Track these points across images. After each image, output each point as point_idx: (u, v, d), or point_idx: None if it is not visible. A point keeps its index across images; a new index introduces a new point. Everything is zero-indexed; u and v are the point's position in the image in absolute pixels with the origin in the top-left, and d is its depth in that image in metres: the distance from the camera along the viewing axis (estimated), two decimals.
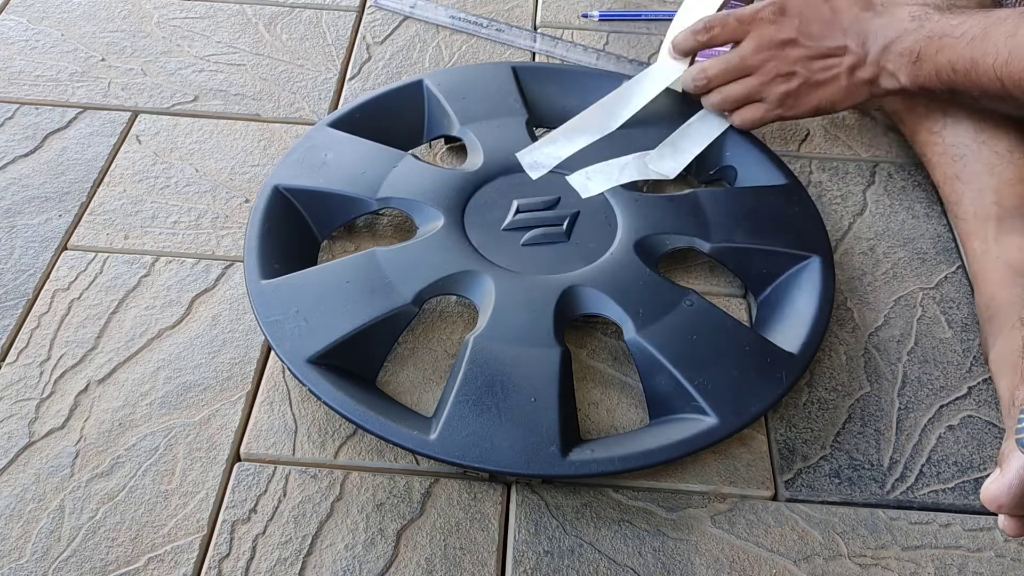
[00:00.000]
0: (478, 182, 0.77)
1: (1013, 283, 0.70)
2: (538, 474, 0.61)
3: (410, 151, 0.79)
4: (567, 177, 0.77)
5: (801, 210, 0.77)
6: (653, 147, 0.80)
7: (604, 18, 1.02)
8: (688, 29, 0.80)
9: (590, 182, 0.77)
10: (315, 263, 0.74)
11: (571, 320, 0.69)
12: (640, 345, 0.66)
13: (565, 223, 0.74)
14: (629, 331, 0.66)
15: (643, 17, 1.03)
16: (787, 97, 0.77)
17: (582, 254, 0.72)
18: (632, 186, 0.77)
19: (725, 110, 0.80)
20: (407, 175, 0.76)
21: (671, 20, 1.03)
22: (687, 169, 0.81)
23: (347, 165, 0.77)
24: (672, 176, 0.79)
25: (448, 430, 0.61)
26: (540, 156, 0.79)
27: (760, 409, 0.64)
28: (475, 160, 0.79)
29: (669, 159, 0.79)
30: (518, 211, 0.75)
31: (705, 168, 0.83)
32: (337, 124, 0.81)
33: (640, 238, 0.72)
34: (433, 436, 0.61)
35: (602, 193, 0.76)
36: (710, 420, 0.63)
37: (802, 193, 0.78)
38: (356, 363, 0.67)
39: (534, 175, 0.78)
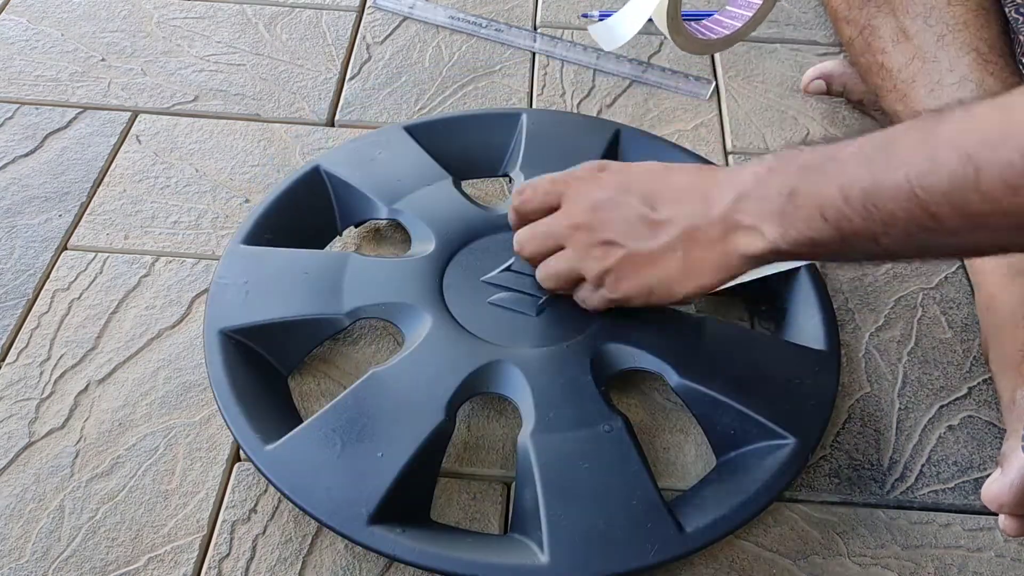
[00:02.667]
0: (487, 224, 0.73)
1: (1013, 283, 0.70)
2: (336, 530, 0.56)
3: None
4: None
5: (814, 385, 0.66)
6: None
7: (604, 18, 1.02)
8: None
9: (618, 28, 0.64)
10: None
11: (471, 394, 0.64)
12: (524, 448, 0.60)
13: (544, 299, 0.68)
14: (527, 430, 0.61)
15: None
16: (605, 276, 0.62)
17: (536, 334, 0.66)
18: None
19: (560, 289, 0.66)
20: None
21: None
22: (740, 294, 0.72)
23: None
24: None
25: (286, 448, 0.59)
26: (616, 24, 0.68)
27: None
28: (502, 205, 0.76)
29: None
30: (508, 268, 0.70)
31: (757, 301, 0.75)
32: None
33: (605, 344, 0.65)
34: (270, 447, 0.59)
35: None
36: (542, 560, 0.56)
37: (832, 368, 0.67)
38: (274, 352, 0.67)
39: (608, 47, 0.68)
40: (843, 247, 0.53)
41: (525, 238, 0.66)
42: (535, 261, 0.66)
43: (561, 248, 0.64)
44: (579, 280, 0.64)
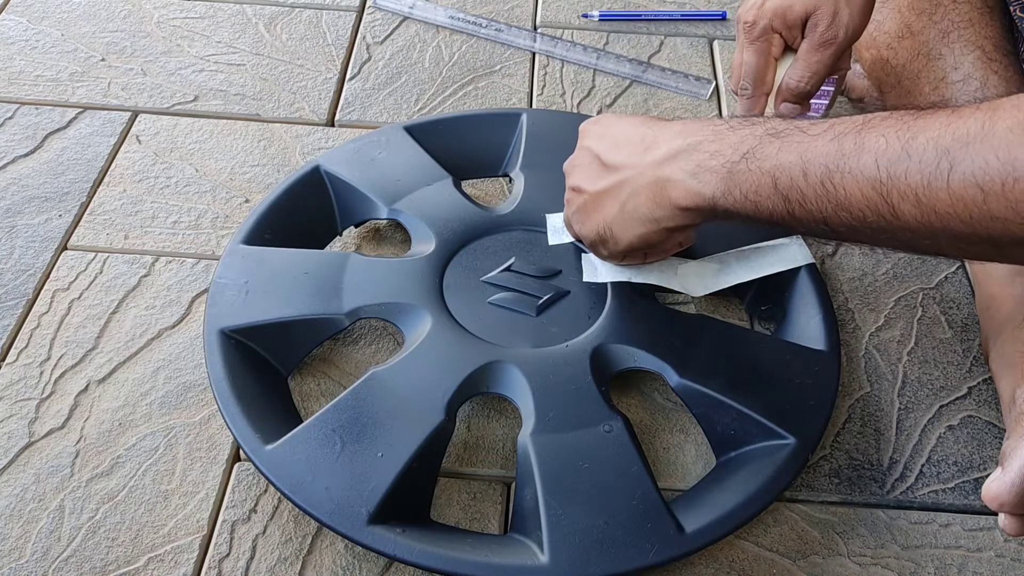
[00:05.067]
0: (487, 224, 0.74)
1: (1013, 282, 0.70)
2: (336, 530, 0.56)
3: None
4: (583, 254, 0.71)
5: (814, 385, 0.65)
6: (698, 255, 0.71)
7: (604, 18, 1.02)
8: None
9: (601, 268, 0.68)
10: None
11: (471, 394, 0.64)
12: (524, 448, 0.60)
13: (544, 299, 0.69)
14: (527, 430, 0.61)
15: (643, 17, 1.03)
16: (573, 219, 0.66)
17: (536, 334, 0.67)
18: (649, 287, 0.69)
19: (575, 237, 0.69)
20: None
21: (671, 20, 1.04)
22: (740, 294, 0.74)
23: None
24: (697, 295, 0.71)
25: (286, 448, 0.59)
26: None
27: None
28: (510, 201, 0.77)
29: (706, 277, 0.69)
30: (508, 268, 0.71)
31: (757, 301, 0.74)
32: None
33: (605, 344, 0.66)
34: (270, 447, 0.59)
35: (607, 284, 0.70)
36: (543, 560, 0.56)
37: (832, 368, 0.67)
38: (274, 352, 0.67)
39: (553, 241, 0.72)
40: (787, 219, 0.51)
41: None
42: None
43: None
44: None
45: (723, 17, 1.04)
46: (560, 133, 0.82)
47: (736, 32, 0.72)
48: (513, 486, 0.63)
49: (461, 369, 0.63)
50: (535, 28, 1.02)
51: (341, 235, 0.78)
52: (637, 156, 0.59)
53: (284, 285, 0.69)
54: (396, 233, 0.79)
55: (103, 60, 0.94)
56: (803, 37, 0.69)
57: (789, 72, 0.70)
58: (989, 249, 0.44)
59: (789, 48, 0.71)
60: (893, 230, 0.46)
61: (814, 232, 0.52)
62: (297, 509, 0.60)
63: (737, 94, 0.72)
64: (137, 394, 0.67)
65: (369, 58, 0.97)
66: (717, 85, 0.95)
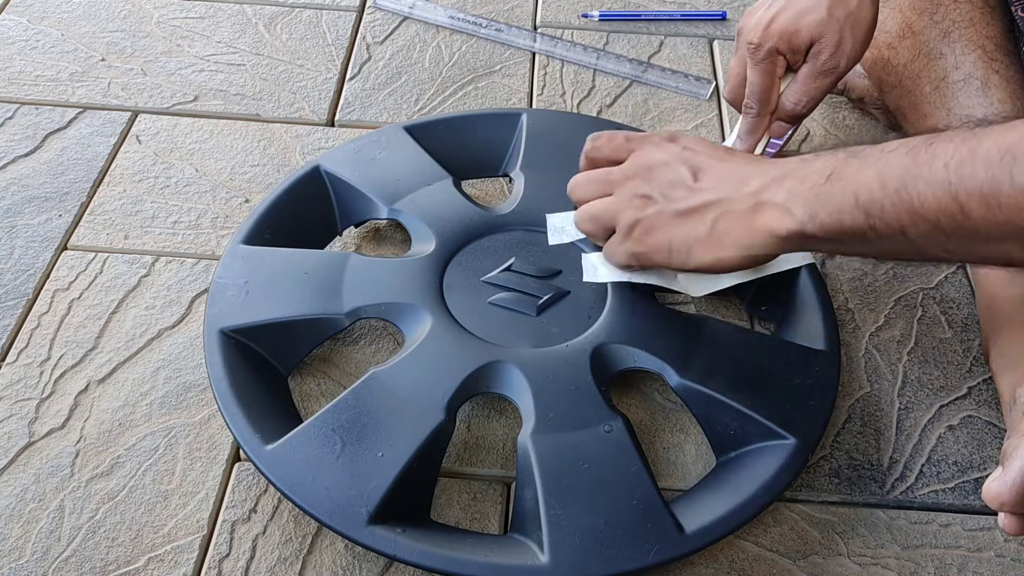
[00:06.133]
0: (487, 224, 0.74)
1: (1013, 283, 0.70)
2: (336, 529, 0.56)
3: (327, 246, 0.77)
4: (583, 254, 0.69)
5: (814, 385, 0.65)
6: None
7: (604, 18, 1.03)
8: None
9: (601, 267, 0.67)
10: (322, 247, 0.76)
11: (471, 394, 0.63)
12: (524, 448, 0.60)
13: (544, 299, 0.69)
14: (527, 430, 0.61)
15: (643, 17, 1.03)
16: (634, 227, 0.62)
17: (537, 334, 0.67)
18: (649, 287, 0.69)
19: (597, 239, 0.67)
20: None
21: (671, 20, 1.04)
22: (739, 293, 0.74)
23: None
24: (697, 296, 0.71)
25: (286, 448, 0.59)
26: (569, 224, 0.70)
27: None
28: (509, 202, 0.77)
29: (706, 277, 0.67)
30: (508, 268, 0.71)
31: (757, 301, 0.74)
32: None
33: (605, 344, 0.66)
34: (270, 447, 0.59)
35: (607, 284, 0.69)
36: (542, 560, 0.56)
37: (832, 368, 0.67)
38: (274, 352, 0.67)
39: (553, 241, 0.71)
40: (870, 235, 0.53)
41: (580, 181, 0.67)
42: (580, 203, 0.66)
43: (609, 195, 0.65)
44: (611, 230, 0.64)
45: (723, 17, 1.04)
46: (560, 133, 0.83)
47: (736, 44, 0.72)
48: (513, 486, 0.63)
49: (461, 369, 0.63)
50: (535, 28, 1.02)
51: (341, 235, 0.78)
52: (732, 184, 0.60)
53: (284, 285, 0.69)
54: (396, 233, 0.80)
55: (103, 60, 0.94)
56: (805, 61, 0.69)
57: (786, 94, 0.71)
58: None
59: (789, 68, 0.72)
60: (964, 233, 0.49)
61: (895, 247, 0.54)
62: (297, 509, 0.60)
63: (741, 111, 0.73)
64: (137, 394, 0.67)
65: (369, 58, 0.97)
66: (717, 85, 0.95)
